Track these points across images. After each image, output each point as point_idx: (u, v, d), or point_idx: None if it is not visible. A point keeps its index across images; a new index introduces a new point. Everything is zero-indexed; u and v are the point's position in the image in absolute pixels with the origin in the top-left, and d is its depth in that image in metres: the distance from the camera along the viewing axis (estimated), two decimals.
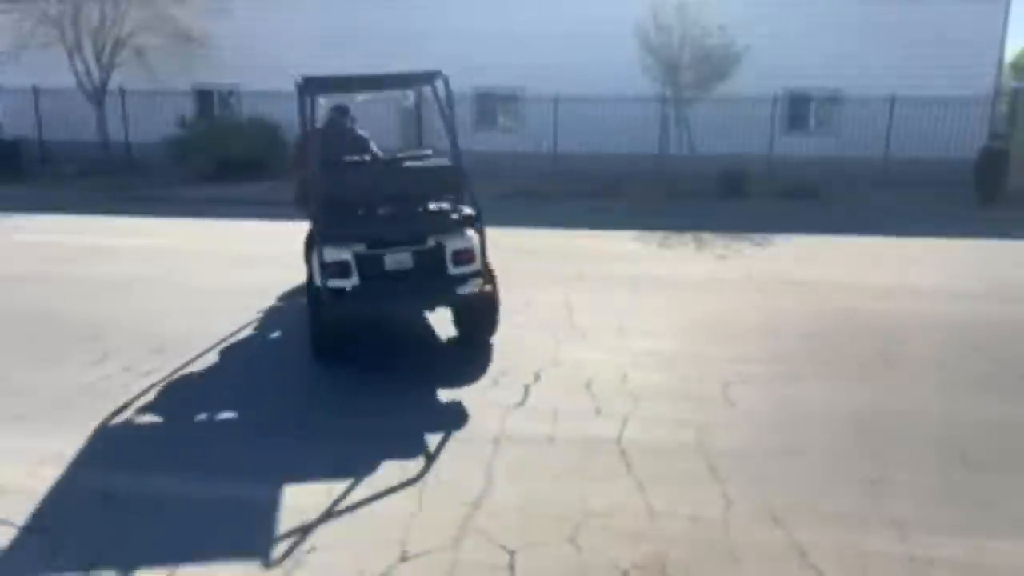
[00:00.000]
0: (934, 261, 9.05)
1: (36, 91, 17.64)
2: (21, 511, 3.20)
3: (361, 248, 4.84)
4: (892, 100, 16.02)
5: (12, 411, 4.27)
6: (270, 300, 6.76)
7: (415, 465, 3.62)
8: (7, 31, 16.72)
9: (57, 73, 16.86)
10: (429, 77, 5.42)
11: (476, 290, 4.93)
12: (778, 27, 16.21)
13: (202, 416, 4.28)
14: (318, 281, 4.86)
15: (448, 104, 5.27)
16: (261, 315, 6.29)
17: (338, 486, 3.42)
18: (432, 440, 3.90)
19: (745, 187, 14.51)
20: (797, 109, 17.56)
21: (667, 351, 5.38)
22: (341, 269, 4.77)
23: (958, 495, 3.37)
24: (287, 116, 17.32)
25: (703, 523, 3.12)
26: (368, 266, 4.84)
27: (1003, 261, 9.15)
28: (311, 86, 5.14)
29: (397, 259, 4.92)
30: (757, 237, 10.38)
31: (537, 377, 4.80)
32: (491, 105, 18.33)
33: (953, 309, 6.59)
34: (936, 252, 9.70)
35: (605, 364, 5.05)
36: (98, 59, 16.74)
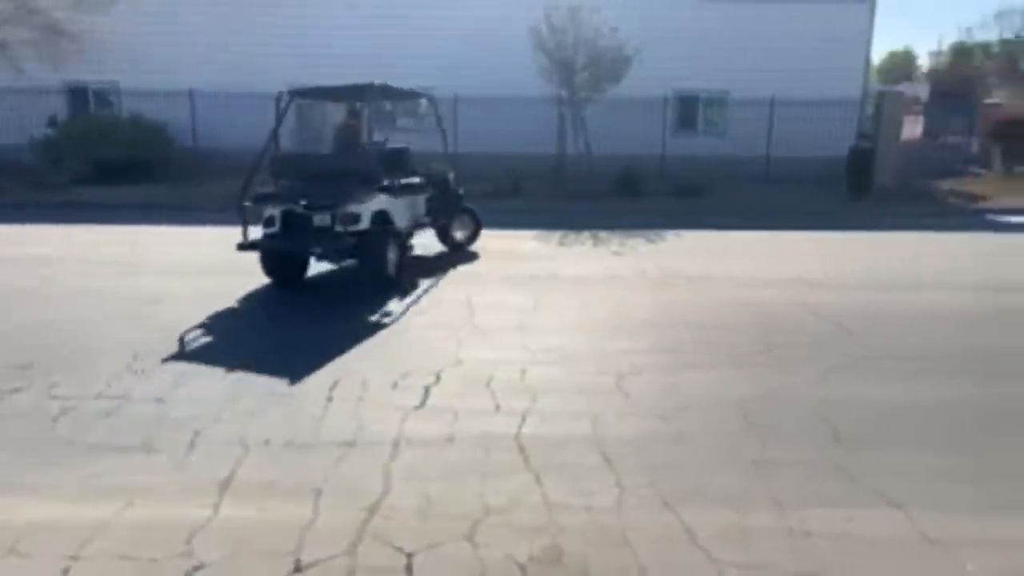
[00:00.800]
0: (812, 253, 9.66)
1: None
2: None
3: (299, 207, 6.97)
4: (771, 102, 16.98)
5: None
6: (156, 305, 6.40)
7: (310, 474, 3.52)
8: None
9: None
10: (363, 89, 7.75)
11: (345, 243, 6.89)
12: (666, 31, 16.86)
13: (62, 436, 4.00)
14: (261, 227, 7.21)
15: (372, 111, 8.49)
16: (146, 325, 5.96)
17: (227, 498, 3.29)
18: (328, 449, 3.81)
19: (639, 186, 15.01)
20: (686, 111, 18.35)
21: (565, 347, 5.48)
22: (270, 221, 7.16)
23: (831, 471, 3.60)
24: (175, 115, 16.62)
25: (597, 512, 3.20)
26: (292, 220, 7.08)
27: (873, 252, 9.88)
28: (290, 95, 7.92)
29: (321, 217, 6.99)
30: (651, 234, 10.77)
31: (438, 378, 4.78)
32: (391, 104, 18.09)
33: (829, 298, 7.05)
34: (814, 245, 10.36)
35: (505, 362, 5.09)
36: None
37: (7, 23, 15.35)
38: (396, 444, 3.85)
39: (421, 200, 8.38)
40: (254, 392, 4.57)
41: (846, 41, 17.47)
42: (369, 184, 7.15)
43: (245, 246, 7.07)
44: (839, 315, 6.43)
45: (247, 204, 7.04)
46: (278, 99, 7.71)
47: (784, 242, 10.61)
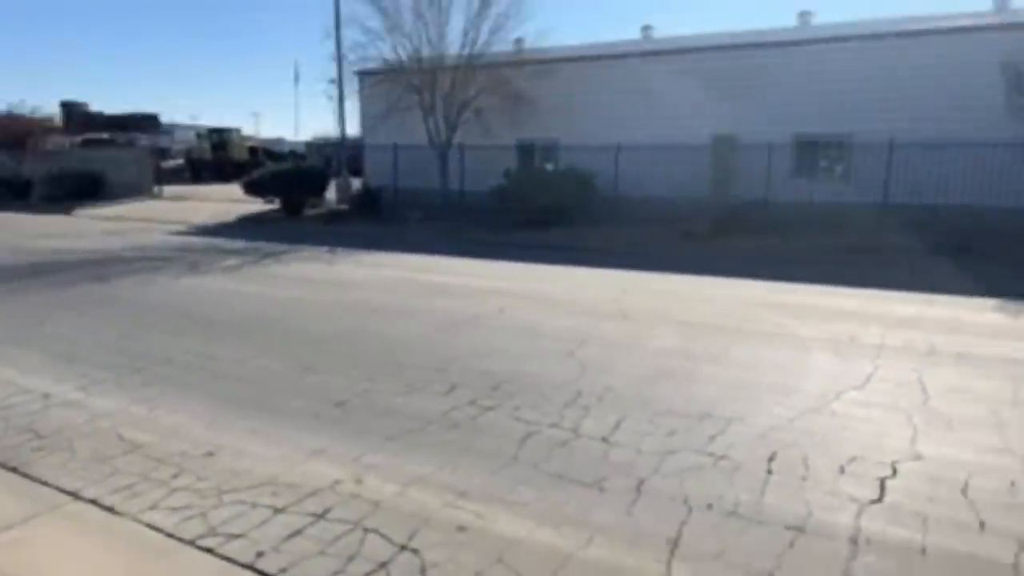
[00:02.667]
0: None
1: (395, 148, 20.83)
2: (395, 528, 3.59)
3: None
4: None
5: (384, 433, 4.89)
6: (585, 347, 6.94)
7: (761, 556, 3.34)
8: (379, 99, 20.10)
9: (412, 133, 19.82)
10: None
11: None
12: None
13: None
14: None
15: None
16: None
17: (677, 560, 3.29)
18: (776, 530, 3.59)
19: None
20: None
21: None
22: None
23: None
24: (601, 167, 18.28)
25: None
26: None
27: None
28: None
29: None
30: None
31: (894, 471, 4.20)
32: (813, 152, 17.20)
33: None
34: None
35: (983, 466, 4.25)
36: (446, 119, 19.22)
37: (484, 92, 18.72)
38: (854, 541, 3.45)
39: None
40: (689, 447, 4.58)
41: None
42: None
43: None
44: None
45: None
46: None
47: None
